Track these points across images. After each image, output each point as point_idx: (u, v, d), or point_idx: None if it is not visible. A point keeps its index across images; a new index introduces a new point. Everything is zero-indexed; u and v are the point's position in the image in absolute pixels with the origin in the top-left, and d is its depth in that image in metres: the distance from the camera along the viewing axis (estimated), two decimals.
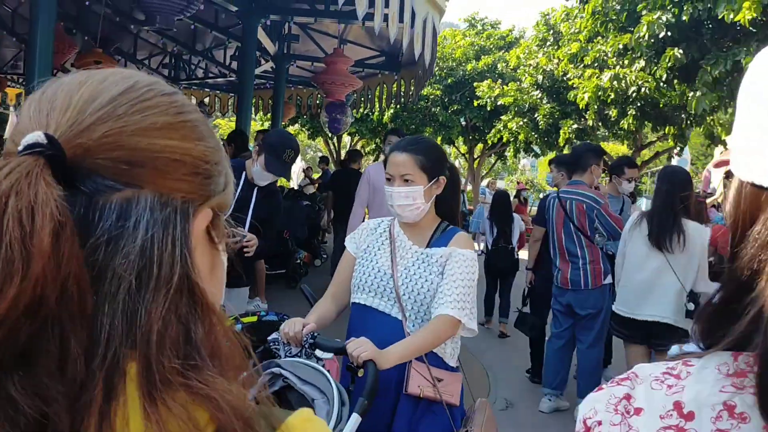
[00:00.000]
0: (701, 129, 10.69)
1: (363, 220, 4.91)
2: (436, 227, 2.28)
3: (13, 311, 0.49)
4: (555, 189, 5.47)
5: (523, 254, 8.60)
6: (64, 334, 0.51)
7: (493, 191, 15.98)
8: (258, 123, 29.02)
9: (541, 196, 30.27)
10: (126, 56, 11.66)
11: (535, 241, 5.60)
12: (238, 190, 3.73)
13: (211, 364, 0.56)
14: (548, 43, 13.88)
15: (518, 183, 16.05)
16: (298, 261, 9.18)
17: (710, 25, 7.48)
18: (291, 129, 23.25)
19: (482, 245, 12.19)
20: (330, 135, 22.18)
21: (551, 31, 13.85)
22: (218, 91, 14.88)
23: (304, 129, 21.78)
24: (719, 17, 6.41)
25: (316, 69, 11.41)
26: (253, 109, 14.19)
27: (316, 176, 15.86)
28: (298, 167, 25.47)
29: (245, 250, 3.46)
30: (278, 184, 8.84)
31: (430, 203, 2.25)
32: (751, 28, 6.78)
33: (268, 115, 15.16)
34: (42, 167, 0.53)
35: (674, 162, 19.97)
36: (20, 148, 0.54)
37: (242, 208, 3.75)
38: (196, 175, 0.62)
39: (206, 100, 14.88)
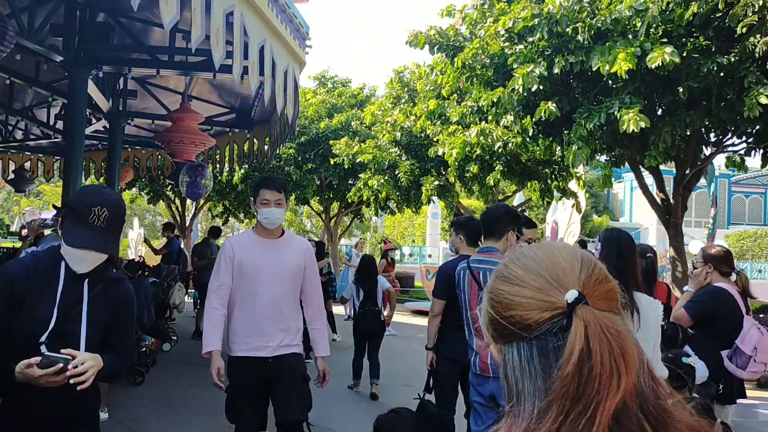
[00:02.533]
0: (560, 183, 10.84)
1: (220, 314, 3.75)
2: None
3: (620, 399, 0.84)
4: (456, 255, 4.85)
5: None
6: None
7: (360, 252, 15.33)
8: None
9: (398, 255, 30.20)
10: None
11: (434, 315, 4.88)
12: (60, 287, 2.47)
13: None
14: (403, 101, 13.72)
15: (385, 242, 15.52)
16: (144, 350, 7.81)
17: (571, 79, 7.43)
18: (128, 194, 21.28)
19: (350, 309, 11.49)
20: (173, 199, 20.53)
21: (405, 89, 13.73)
22: (41, 154, 13.09)
23: (143, 193, 19.99)
24: (594, 69, 6.28)
25: (157, 127, 10.23)
26: (83, 172, 12.60)
27: (155, 243, 14.29)
28: (136, 235, 23.28)
29: (74, 381, 2.26)
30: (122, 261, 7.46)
31: None
32: (621, 81, 6.74)
33: (102, 179, 13.52)
34: (587, 309, 0.90)
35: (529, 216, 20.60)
36: (570, 301, 0.90)
37: (71, 312, 2.49)
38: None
39: (27, 164, 13.01)
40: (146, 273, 9.09)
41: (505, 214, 4.09)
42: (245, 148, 11.32)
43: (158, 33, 7.65)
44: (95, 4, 6.83)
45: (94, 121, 9.59)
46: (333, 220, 19.72)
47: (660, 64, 5.89)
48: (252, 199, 3.83)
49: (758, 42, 6.02)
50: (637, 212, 43.42)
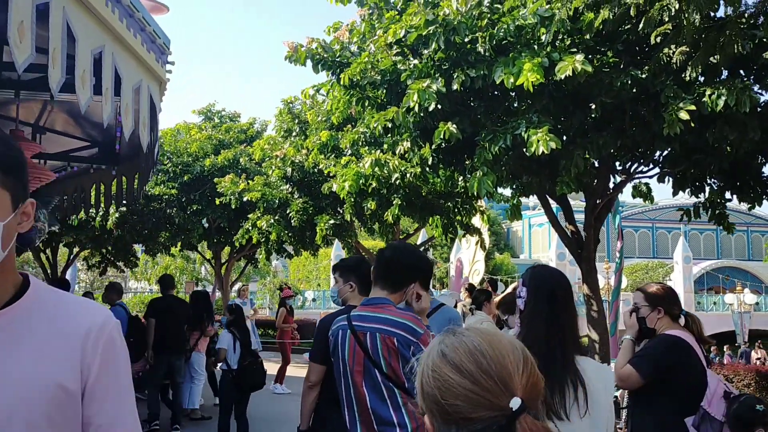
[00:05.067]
0: (464, 218, 10.04)
1: None
2: None
3: None
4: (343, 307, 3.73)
5: None
6: None
7: (246, 300, 13.87)
8: None
9: (299, 301, 28.62)
10: None
11: (310, 386, 3.68)
12: None
13: None
14: (294, 134, 12.66)
15: (283, 289, 14.14)
16: None
17: (471, 100, 6.64)
18: None
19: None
20: (42, 248, 18.30)
21: (296, 121, 12.69)
22: None
23: None
24: (497, 82, 5.46)
25: None
26: None
27: None
28: None
29: None
30: None
31: None
32: (528, 99, 5.99)
33: None
34: (529, 420, 1.01)
35: (431, 255, 19.87)
36: (515, 409, 0.99)
37: None
38: None
39: None
40: None
41: (411, 258, 3.03)
42: (113, 187, 9.77)
43: None
44: None
45: None
46: (224, 267, 18.14)
47: (570, 74, 5.14)
48: None
49: (674, 52, 5.41)
50: (535, 249, 44.27)
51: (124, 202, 9.88)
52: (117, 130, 8.28)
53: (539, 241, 43.89)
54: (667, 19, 5.20)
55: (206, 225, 16.09)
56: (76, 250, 18.40)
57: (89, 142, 9.24)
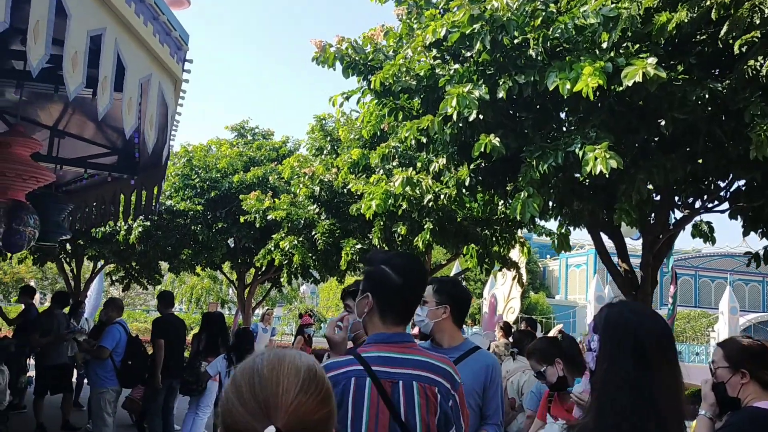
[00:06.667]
0: (501, 249, 9.19)
1: None
2: None
3: None
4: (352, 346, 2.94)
5: None
6: None
7: (268, 327, 13.19)
8: None
9: (323, 329, 27.72)
10: None
11: None
12: None
13: None
14: (325, 152, 12.04)
15: (303, 315, 13.38)
16: None
17: (517, 114, 5.87)
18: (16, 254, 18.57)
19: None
20: (67, 259, 17.91)
21: (328, 138, 12.08)
22: None
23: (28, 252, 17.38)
24: (550, 89, 4.68)
25: None
26: None
27: (11, 312, 11.83)
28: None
29: None
30: None
31: None
32: (584, 113, 5.19)
33: None
34: None
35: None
36: None
37: None
38: None
39: None
40: None
41: (424, 277, 2.27)
42: (132, 198, 9.19)
43: None
44: None
45: None
46: (247, 289, 17.49)
47: (639, 80, 4.34)
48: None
49: (762, 65, 4.58)
50: (572, 290, 42.79)
51: (141, 216, 9.28)
52: (135, 135, 7.70)
53: (576, 282, 42.41)
54: (758, 22, 4.40)
55: (232, 244, 15.51)
56: (101, 263, 18.00)
57: (109, 148, 8.70)
